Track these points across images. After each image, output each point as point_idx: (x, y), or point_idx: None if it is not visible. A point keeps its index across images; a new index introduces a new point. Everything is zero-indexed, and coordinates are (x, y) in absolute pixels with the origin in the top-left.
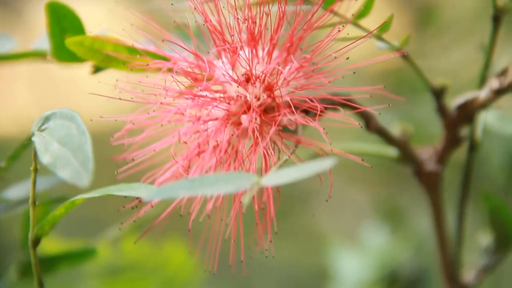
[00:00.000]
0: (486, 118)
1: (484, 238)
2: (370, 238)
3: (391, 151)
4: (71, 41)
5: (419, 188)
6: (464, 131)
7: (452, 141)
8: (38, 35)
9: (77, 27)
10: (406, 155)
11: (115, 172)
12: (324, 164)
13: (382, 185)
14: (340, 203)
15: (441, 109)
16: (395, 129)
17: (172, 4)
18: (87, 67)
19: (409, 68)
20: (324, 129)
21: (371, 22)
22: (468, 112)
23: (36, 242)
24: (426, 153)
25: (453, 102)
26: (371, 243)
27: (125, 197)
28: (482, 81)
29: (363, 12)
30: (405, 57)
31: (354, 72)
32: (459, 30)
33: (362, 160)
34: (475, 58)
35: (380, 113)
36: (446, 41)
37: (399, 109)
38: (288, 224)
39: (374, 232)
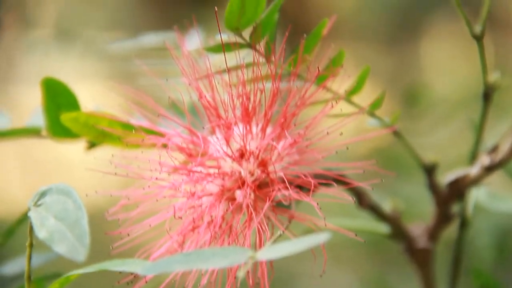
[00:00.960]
0: (477, 195)
1: None
2: None
3: (383, 228)
4: (66, 117)
5: (408, 266)
6: (455, 208)
7: (444, 217)
8: (28, 113)
9: (72, 103)
10: (398, 232)
11: (110, 247)
12: (318, 239)
13: (370, 264)
14: (329, 283)
15: (432, 186)
16: (387, 205)
17: (167, 80)
18: (81, 143)
19: (400, 145)
20: (317, 204)
21: (363, 99)
22: (459, 188)
23: None
24: (417, 229)
25: (445, 178)
26: None
27: (120, 272)
28: (472, 157)
29: (356, 88)
30: (397, 133)
31: (348, 148)
32: (449, 107)
33: (356, 235)
34: (464, 135)
35: (372, 189)
36: (436, 119)
37: (390, 186)
38: None
39: None
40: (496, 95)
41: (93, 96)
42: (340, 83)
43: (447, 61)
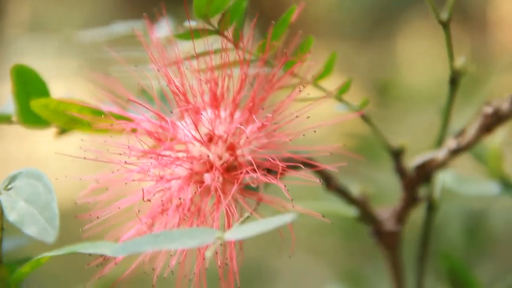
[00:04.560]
0: (444, 178)
1: None
2: None
3: (351, 211)
4: (36, 104)
5: (378, 248)
6: (423, 192)
7: (411, 201)
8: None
9: (42, 90)
10: (366, 215)
11: (80, 230)
12: (284, 219)
13: (347, 256)
14: (306, 277)
15: (400, 170)
16: (355, 189)
17: (136, 67)
18: (52, 129)
19: (370, 131)
20: (285, 186)
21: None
22: (426, 172)
23: None
24: (385, 213)
25: (412, 162)
26: None
27: (90, 255)
28: (440, 141)
29: (323, 74)
30: (365, 118)
31: (315, 131)
32: (421, 97)
33: (323, 216)
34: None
35: (341, 172)
36: (408, 107)
37: (361, 171)
38: None
39: None
40: (463, 81)
41: (67, 89)
42: (309, 70)
43: (422, 57)
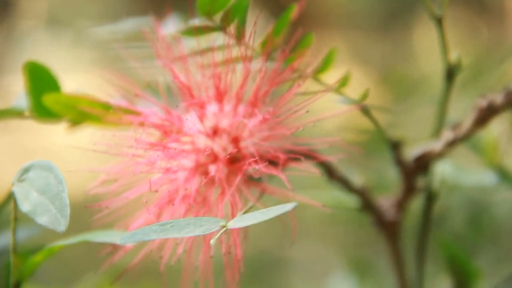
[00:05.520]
0: (443, 169)
1: (444, 283)
2: None
3: (353, 201)
4: (48, 99)
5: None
6: (423, 182)
7: (410, 191)
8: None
9: (53, 85)
10: (367, 205)
11: (91, 220)
12: (285, 208)
13: (354, 243)
14: (315, 265)
15: (399, 161)
16: (356, 179)
17: (143, 63)
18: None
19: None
20: (287, 177)
21: (352, 86)
22: (424, 162)
23: (17, 287)
24: (386, 203)
25: (410, 153)
26: None
27: (101, 243)
28: (436, 133)
29: (323, 68)
30: (364, 110)
31: (314, 125)
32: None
33: (323, 206)
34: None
35: (343, 164)
36: (422, 96)
37: (362, 162)
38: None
39: (342, 283)
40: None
41: (80, 82)
42: (310, 64)
43: (438, 48)
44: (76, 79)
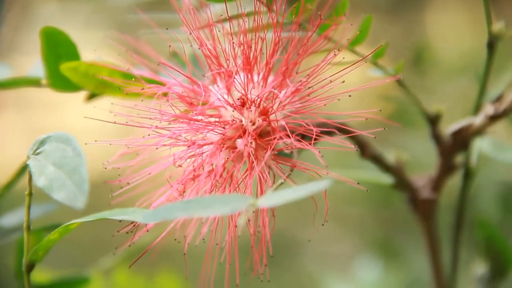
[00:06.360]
0: (481, 145)
1: (479, 267)
2: (363, 272)
3: (387, 178)
4: (66, 67)
5: (415, 227)
6: (460, 159)
7: (447, 168)
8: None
9: (72, 53)
10: (401, 182)
11: (110, 197)
12: (319, 186)
13: (374, 224)
14: (334, 247)
15: (436, 136)
16: (390, 156)
17: (167, 29)
18: (81, 93)
19: (406, 97)
20: (319, 152)
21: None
22: (463, 138)
23: (30, 267)
24: (421, 180)
25: (448, 128)
26: (364, 277)
27: (120, 221)
28: (477, 108)
29: (358, 37)
30: (400, 83)
31: (350, 95)
32: (455, 67)
33: (358, 183)
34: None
35: (376, 138)
36: (442, 76)
37: (396, 138)
38: (281, 270)
39: (367, 267)
40: (501, 45)
41: (94, 46)
42: (344, 34)
43: (452, 29)
44: (92, 56)
